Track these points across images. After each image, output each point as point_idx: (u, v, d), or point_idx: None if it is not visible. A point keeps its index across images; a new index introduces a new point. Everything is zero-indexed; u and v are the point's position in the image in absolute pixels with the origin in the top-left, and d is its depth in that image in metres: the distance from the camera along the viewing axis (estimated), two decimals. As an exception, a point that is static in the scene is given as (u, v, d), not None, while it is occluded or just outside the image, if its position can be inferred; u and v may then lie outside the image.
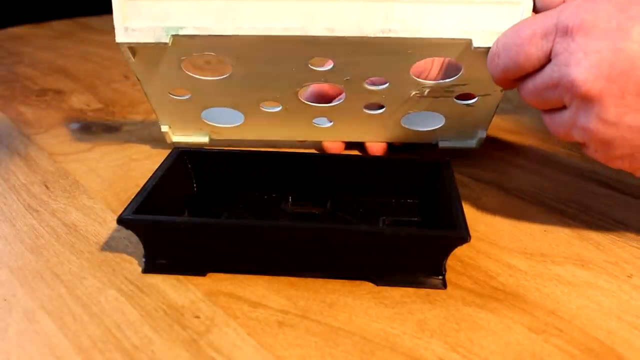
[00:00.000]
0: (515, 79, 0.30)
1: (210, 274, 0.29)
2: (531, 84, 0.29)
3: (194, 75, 0.36)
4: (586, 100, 0.26)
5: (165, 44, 0.33)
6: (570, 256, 0.31)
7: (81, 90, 0.58)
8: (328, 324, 0.26)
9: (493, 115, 0.39)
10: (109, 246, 0.32)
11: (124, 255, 0.31)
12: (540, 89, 0.28)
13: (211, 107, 0.40)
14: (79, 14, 0.92)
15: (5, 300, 0.28)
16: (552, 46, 0.27)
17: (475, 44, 0.32)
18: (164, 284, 0.29)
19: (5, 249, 0.31)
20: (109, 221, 0.34)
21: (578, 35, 0.26)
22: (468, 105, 0.38)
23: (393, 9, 0.32)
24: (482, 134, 0.41)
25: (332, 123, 0.41)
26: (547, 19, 0.28)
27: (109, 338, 0.25)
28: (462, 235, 0.27)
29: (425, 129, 0.41)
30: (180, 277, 0.29)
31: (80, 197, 0.37)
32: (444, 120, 0.40)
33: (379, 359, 0.24)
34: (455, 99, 0.37)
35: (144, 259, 0.30)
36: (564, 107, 0.28)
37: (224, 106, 0.39)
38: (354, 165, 0.35)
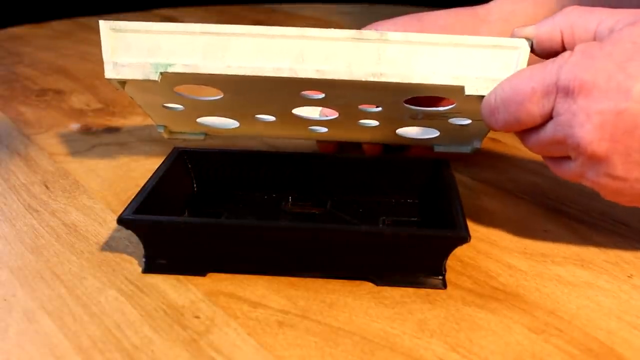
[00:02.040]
0: (516, 131, 0.30)
1: (210, 274, 0.29)
2: (534, 138, 0.29)
3: (186, 96, 0.36)
4: (593, 160, 0.27)
5: (154, 81, 0.32)
6: (570, 256, 0.31)
7: (81, 90, 0.58)
8: (328, 324, 0.26)
9: (489, 131, 0.39)
10: (109, 246, 0.32)
11: (124, 255, 0.31)
12: (544, 144, 0.29)
13: (205, 116, 0.40)
14: (79, 14, 0.92)
15: (5, 300, 0.28)
16: (554, 105, 0.27)
17: (468, 91, 0.31)
18: (164, 284, 0.29)
19: (5, 249, 0.31)
20: (109, 221, 0.34)
21: (579, 97, 0.26)
22: (462, 125, 0.38)
23: (385, 50, 0.31)
24: (477, 144, 0.40)
25: (327, 130, 0.40)
26: (546, 76, 0.27)
27: (109, 338, 0.25)
28: (462, 235, 0.27)
29: (420, 138, 0.41)
30: (180, 277, 0.29)
31: (80, 197, 0.37)
32: (438, 133, 0.39)
33: (379, 359, 0.24)
34: (449, 120, 0.37)
35: (144, 259, 0.30)
36: (569, 157, 0.29)
37: (219, 116, 0.40)
38: (354, 165, 0.35)
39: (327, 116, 0.39)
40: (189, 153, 0.35)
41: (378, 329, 0.26)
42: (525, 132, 0.29)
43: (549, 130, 0.28)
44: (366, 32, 0.31)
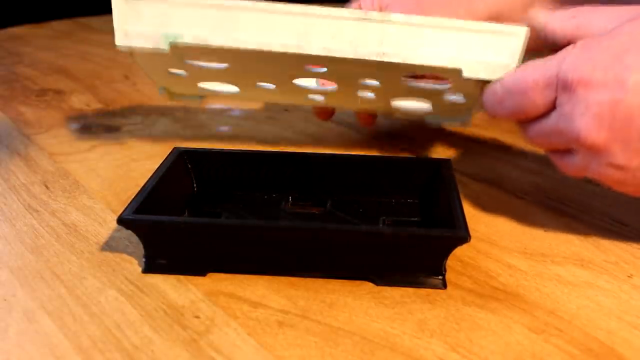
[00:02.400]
0: (519, 121, 0.31)
1: (210, 274, 0.29)
2: (537, 127, 0.30)
3: (192, 63, 0.37)
4: (593, 150, 0.28)
5: (164, 50, 0.33)
6: (570, 256, 0.31)
7: (81, 90, 0.58)
8: (328, 324, 0.26)
9: (481, 107, 0.40)
10: (109, 246, 0.32)
11: (124, 255, 0.31)
12: (547, 133, 0.30)
13: (208, 81, 0.41)
14: (79, 14, 0.92)
15: (5, 300, 0.28)
16: (556, 96, 0.28)
17: (465, 74, 0.32)
18: (164, 284, 0.29)
19: (5, 249, 0.31)
20: (109, 221, 0.34)
21: (578, 88, 0.27)
22: (456, 102, 0.38)
23: (388, 31, 0.32)
24: (468, 118, 0.41)
25: (324, 98, 0.41)
26: (548, 68, 0.28)
27: (109, 338, 0.25)
28: (462, 235, 0.27)
29: (414, 110, 0.41)
30: (180, 277, 0.29)
31: (80, 197, 0.37)
32: (431, 107, 0.40)
33: (379, 359, 0.24)
34: (443, 97, 0.38)
35: (144, 259, 0.30)
36: (571, 151, 0.29)
37: (220, 82, 0.41)
38: (354, 165, 0.35)
39: (325, 86, 0.39)
40: (189, 153, 0.35)
41: (378, 329, 0.26)
42: (529, 122, 0.30)
43: (551, 120, 0.29)
44: (370, 13, 0.32)
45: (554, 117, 0.29)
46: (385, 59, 0.33)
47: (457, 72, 0.33)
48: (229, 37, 0.33)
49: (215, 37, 0.33)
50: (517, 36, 0.32)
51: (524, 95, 0.29)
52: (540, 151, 0.45)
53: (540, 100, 0.29)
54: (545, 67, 0.29)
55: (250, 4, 0.32)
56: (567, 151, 0.30)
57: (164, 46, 0.33)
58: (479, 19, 0.42)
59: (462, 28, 0.32)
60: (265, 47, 0.33)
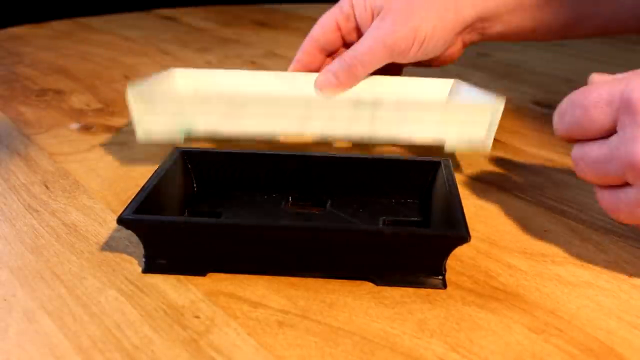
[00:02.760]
0: (578, 140, 0.29)
1: (210, 274, 0.29)
2: (594, 152, 0.28)
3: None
4: None
5: (179, 139, 0.37)
6: (570, 256, 0.31)
7: (81, 90, 0.58)
8: (328, 324, 0.26)
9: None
10: (109, 246, 0.32)
11: (124, 255, 0.31)
12: (602, 160, 0.27)
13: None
14: (79, 14, 0.92)
15: (5, 300, 0.28)
16: (618, 117, 0.27)
17: (447, 149, 0.38)
18: (164, 284, 0.29)
19: (5, 249, 0.31)
20: (109, 221, 0.34)
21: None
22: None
23: (378, 113, 0.36)
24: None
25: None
26: (615, 85, 0.27)
27: (109, 338, 0.25)
28: (462, 235, 0.27)
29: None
30: (180, 277, 0.29)
31: (80, 197, 0.37)
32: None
33: (379, 359, 0.24)
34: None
35: (144, 259, 0.30)
36: (625, 185, 0.27)
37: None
38: (354, 165, 0.35)
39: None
40: (189, 153, 0.35)
41: (378, 329, 0.26)
42: (586, 145, 0.29)
43: (611, 143, 0.27)
44: (363, 98, 0.37)
45: (613, 140, 0.27)
46: (375, 136, 0.37)
47: (441, 145, 0.37)
48: (236, 124, 0.37)
49: (224, 126, 0.37)
50: (492, 110, 0.36)
51: (584, 110, 0.28)
52: (540, 151, 0.45)
53: (599, 117, 0.27)
54: (611, 84, 0.27)
55: (255, 95, 0.37)
56: (621, 185, 0.27)
57: (179, 136, 0.37)
58: (466, 22, 0.44)
59: (445, 106, 0.37)
60: (269, 132, 0.38)
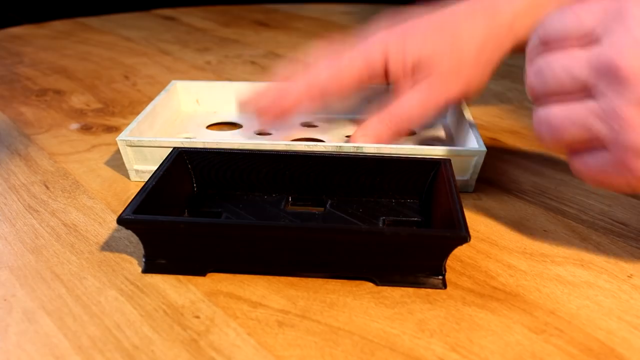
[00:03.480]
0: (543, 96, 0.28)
1: (210, 274, 0.29)
2: (563, 108, 0.27)
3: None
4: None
5: None
6: (570, 256, 0.31)
7: (81, 90, 0.58)
8: (328, 324, 0.26)
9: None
10: (109, 246, 0.32)
11: (124, 255, 0.31)
12: (575, 112, 0.26)
13: None
14: (79, 14, 0.92)
15: (5, 300, 0.28)
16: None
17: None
18: (164, 284, 0.29)
19: (5, 249, 0.32)
20: (109, 221, 0.34)
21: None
22: None
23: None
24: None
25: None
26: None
27: (109, 338, 0.25)
28: (462, 235, 0.27)
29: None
30: (180, 277, 0.29)
31: (80, 197, 0.37)
32: None
33: (379, 359, 0.24)
34: None
35: (144, 259, 0.30)
36: (593, 148, 0.26)
37: None
38: (354, 165, 0.35)
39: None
40: (189, 153, 0.35)
41: (378, 329, 0.26)
42: (553, 105, 0.27)
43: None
44: (345, 145, 0.37)
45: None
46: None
47: None
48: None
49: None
50: (475, 157, 0.37)
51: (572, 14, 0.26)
52: (540, 151, 0.45)
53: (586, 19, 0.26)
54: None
55: (233, 145, 0.36)
56: (591, 148, 0.27)
57: None
58: (507, 53, 0.41)
59: (428, 153, 0.36)
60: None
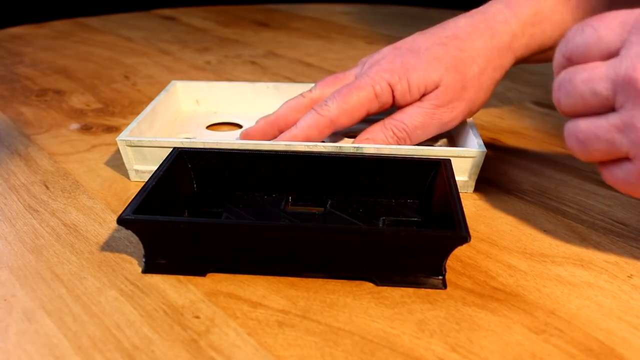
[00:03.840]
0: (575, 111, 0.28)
1: (210, 274, 0.29)
2: (591, 123, 0.27)
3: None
4: None
5: None
6: (570, 256, 0.31)
7: (81, 90, 0.58)
8: (328, 324, 0.26)
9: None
10: (109, 246, 0.32)
11: (124, 255, 0.31)
12: (602, 128, 0.26)
13: None
14: (79, 14, 0.92)
15: (5, 300, 0.28)
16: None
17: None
18: (164, 284, 0.29)
19: (5, 249, 0.32)
20: (109, 221, 0.34)
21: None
22: None
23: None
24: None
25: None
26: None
27: (109, 338, 0.25)
28: (462, 235, 0.27)
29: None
30: (180, 277, 0.29)
31: (80, 197, 0.37)
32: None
33: (379, 359, 0.24)
34: None
35: (144, 259, 0.30)
36: (622, 160, 0.27)
37: None
38: (354, 165, 0.35)
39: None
40: (189, 153, 0.35)
41: (378, 329, 0.26)
42: (582, 119, 0.28)
43: (609, 117, 0.26)
44: (345, 146, 0.37)
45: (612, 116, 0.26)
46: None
47: None
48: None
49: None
50: (474, 157, 0.37)
51: (593, 29, 0.27)
52: (540, 151, 0.45)
53: (609, 36, 0.26)
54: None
55: (239, 150, 0.36)
56: (617, 160, 0.27)
57: None
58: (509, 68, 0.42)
59: (428, 154, 0.36)
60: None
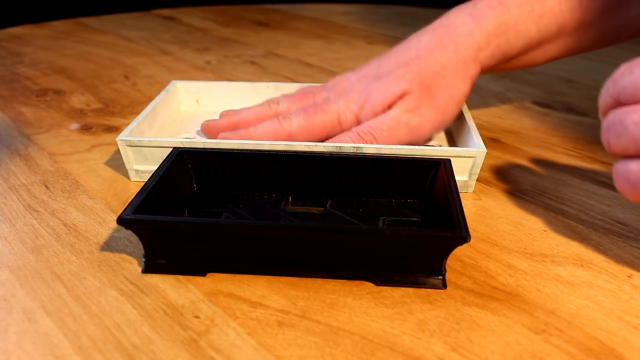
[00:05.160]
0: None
1: (210, 274, 0.29)
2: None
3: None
4: None
5: None
6: (570, 256, 0.31)
7: (81, 90, 0.58)
8: (328, 324, 0.26)
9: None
10: (109, 246, 0.32)
11: (124, 255, 0.31)
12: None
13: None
14: (79, 14, 0.92)
15: (5, 300, 0.28)
16: None
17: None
18: (164, 284, 0.29)
19: (5, 249, 0.32)
20: (109, 221, 0.34)
21: None
22: None
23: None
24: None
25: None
26: None
27: (109, 338, 0.25)
28: (462, 235, 0.27)
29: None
30: (180, 277, 0.29)
31: (80, 197, 0.37)
32: None
33: (379, 359, 0.24)
34: None
35: (144, 259, 0.30)
36: None
37: None
38: (354, 165, 0.35)
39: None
40: (189, 153, 0.35)
41: (378, 329, 0.26)
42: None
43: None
44: (345, 146, 0.37)
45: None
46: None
47: None
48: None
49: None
50: (474, 157, 0.37)
51: None
52: (540, 151, 0.45)
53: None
54: None
55: (240, 150, 0.36)
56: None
57: None
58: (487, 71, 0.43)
59: (428, 154, 0.36)
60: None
